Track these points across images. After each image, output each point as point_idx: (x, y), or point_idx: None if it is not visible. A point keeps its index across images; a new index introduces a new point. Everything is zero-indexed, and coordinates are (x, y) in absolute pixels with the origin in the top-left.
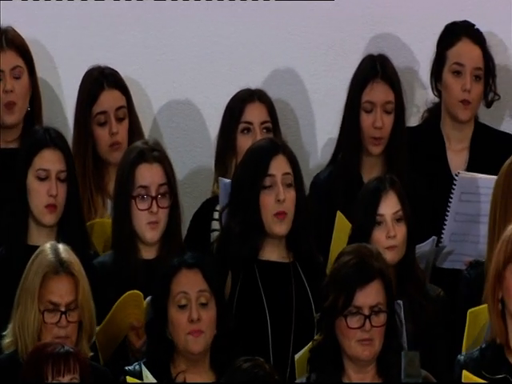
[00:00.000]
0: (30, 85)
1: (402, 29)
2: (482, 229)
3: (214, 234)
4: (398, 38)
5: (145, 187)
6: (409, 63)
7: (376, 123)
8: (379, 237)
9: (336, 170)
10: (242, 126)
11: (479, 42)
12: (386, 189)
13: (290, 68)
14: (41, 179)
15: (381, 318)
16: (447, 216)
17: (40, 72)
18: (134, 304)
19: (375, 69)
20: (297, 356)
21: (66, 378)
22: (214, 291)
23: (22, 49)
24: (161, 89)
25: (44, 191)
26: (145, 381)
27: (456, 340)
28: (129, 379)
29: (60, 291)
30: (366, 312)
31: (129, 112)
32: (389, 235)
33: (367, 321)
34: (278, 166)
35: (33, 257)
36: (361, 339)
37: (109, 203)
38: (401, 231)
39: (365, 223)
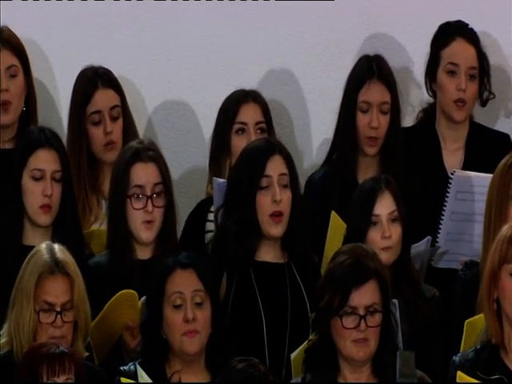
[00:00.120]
0: (25, 84)
1: (398, 29)
2: (476, 228)
3: (209, 236)
4: (394, 38)
5: (140, 186)
6: (404, 63)
7: (372, 123)
8: (374, 237)
9: (331, 170)
10: (236, 126)
11: (473, 41)
12: (381, 189)
13: (286, 68)
14: (36, 179)
15: (376, 318)
16: (443, 215)
17: (35, 72)
18: (128, 304)
19: (371, 69)
20: (293, 355)
21: (61, 379)
22: (208, 291)
23: (17, 48)
24: (156, 89)
25: (39, 191)
26: (140, 381)
27: (451, 340)
28: (123, 380)
29: (55, 291)
30: (362, 312)
31: (123, 111)
32: (384, 235)
33: (362, 321)
34: (275, 167)
35: (28, 257)
36: (356, 339)
37: (103, 203)
38: (396, 231)
39: (360, 223)
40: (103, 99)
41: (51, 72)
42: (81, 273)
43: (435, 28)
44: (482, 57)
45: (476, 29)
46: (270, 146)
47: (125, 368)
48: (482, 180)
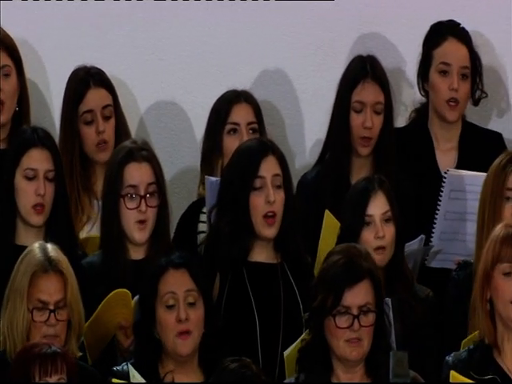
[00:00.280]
0: (18, 85)
1: (390, 29)
2: (470, 227)
3: (201, 237)
4: (386, 38)
5: (133, 186)
6: (396, 63)
7: (366, 123)
8: (368, 237)
9: (324, 170)
10: (228, 126)
11: (465, 40)
12: (374, 189)
13: (279, 68)
14: (29, 179)
15: (369, 318)
16: (437, 215)
17: (28, 72)
18: (122, 303)
19: (365, 69)
20: (286, 352)
21: (54, 379)
22: (201, 291)
23: (10, 48)
24: (149, 89)
25: (32, 191)
26: (132, 381)
27: (444, 341)
28: (114, 381)
29: (49, 290)
30: (355, 312)
31: (115, 111)
32: (377, 235)
33: (356, 320)
34: (268, 168)
35: (21, 256)
36: (349, 339)
37: (95, 203)
38: (389, 231)
39: (353, 223)
40: (95, 98)
41: (44, 72)
42: (74, 273)
43: (427, 28)
44: (474, 56)
45: (468, 28)
46: (263, 146)
47: (118, 368)
48: (475, 179)
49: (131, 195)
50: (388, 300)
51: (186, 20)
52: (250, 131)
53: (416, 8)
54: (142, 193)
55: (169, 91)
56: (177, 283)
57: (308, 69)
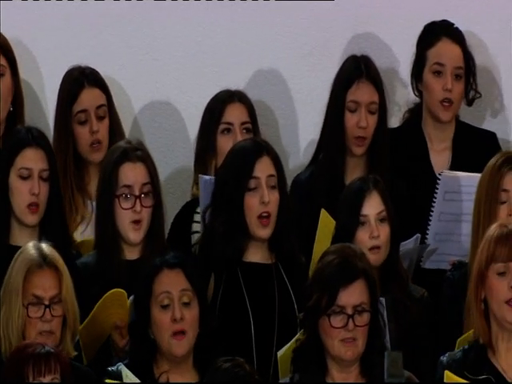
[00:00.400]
0: (13, 85)
1: (384, 29)
2: (465, 227)
3: (195, 237)
4: (380, 38)
5: (128, 186)
6: (390, 63)
7: (361, 123)
8: (363, 237)
9: (318, 170)
10: (222, 126)
11: (459, 40)
12: (369, 189)
13: (274, 68)
14: (23, 178)
15: (364, 318)
16: (431, 216)
17: (22, 72)
18: (117, 303)
19: (360, 69)
20: (280, 353)
21: (47, 379)
22: (196, 290)
23: (4, 48)
24: (144, 89)
25: (26, 190)
26: (125, 381)
27: (439, 341)
28: (108, 381)
29: (43, 285)
30: (350, 311)
31: (109, 111)
32: (372, 235)
33: (350, 320)
34: (263, 168)
35: (15, 256)
36: (344, 339)
37: (89, 203)
38: (384, 231)
39: (348, 223)
40: (89, 98)
41: (38, 72)
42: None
43: (421, 28)
44: (467, 56)
45: (461, 28)
46: (257, 147)
47: (112, 368)
48: (469, 180)
49: (126, 195)
50: (382, 299)
51: (181, 20)
52: (244, 131)
53: (410, 8)
54: (137, 193)
55: (163, 91)
56: (172, 283)
57: (303, 69)
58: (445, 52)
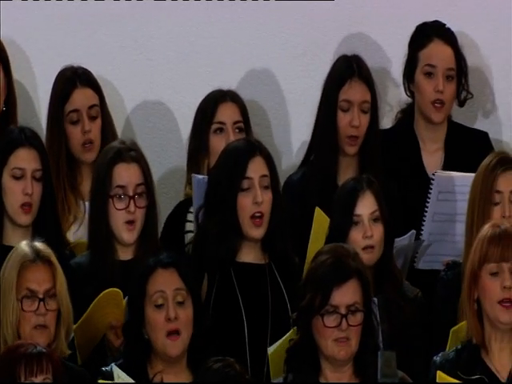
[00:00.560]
0: (6, 85)
1: (376, 29)
2: (458, 228)
3: (188, 236)
4: (372, 38)
5: (122, 187)
6: (382, 63)
7: (353, 122)
8: (356, 237)
9: (310, 170)
10: (214, 126)
11: (450, 41)
12: (363, 189)
13: (266, 68)
14: (16, 178)
15: (357, 317)
16: (425, 217)
17: (15, 72)
18: (113, 303)
19: (352, 68)
20: (270, 350)
21: (39, 378)
22: (190, 290)
23: None
24: (137, 89)
25: (19, 190)
26: (116, 381)
27: (433, 341)
28: (101, 381)
29: (37, 279)
30: (343, 311)
31: (101, 111)
32: (366, 235)
33: (344, 320)
34: (256, 169)
35: (8, 255)
36: (337, 338)
37: (81, 203)
38: (378, 231)
39: (342, 223)
40: (81, 98)
41: (31, 72)
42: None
43: (413, 28)
44: (459, 57)
45: (453, 28)
46: (250, 147)
47: (106, 369)
48: (463, 180)
49: (120, 196)
50: (375, 299)
51: (174, 20)
52: (237, 130)
53: (402, 8)
54: (131, 193)
55: (156, 91)
56: (166, 282)
57: (296, 69)
58: (436, 53)
